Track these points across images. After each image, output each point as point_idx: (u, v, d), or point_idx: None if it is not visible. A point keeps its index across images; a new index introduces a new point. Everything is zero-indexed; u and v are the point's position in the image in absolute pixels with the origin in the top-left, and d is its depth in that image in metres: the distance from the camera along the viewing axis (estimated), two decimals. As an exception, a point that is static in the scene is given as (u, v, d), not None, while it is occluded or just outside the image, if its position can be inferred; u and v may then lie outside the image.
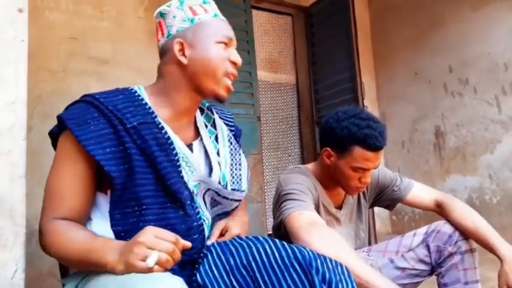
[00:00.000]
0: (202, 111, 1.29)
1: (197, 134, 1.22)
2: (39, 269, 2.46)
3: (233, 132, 1.33)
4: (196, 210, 1.10)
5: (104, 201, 1.08)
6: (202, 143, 1.20)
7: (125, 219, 1.01)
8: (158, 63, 1.21)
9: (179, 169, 1.07)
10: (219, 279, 0.96)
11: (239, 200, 1.24)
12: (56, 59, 2.87)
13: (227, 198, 1.20)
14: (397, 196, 1.76)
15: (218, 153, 1.22)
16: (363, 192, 1.77)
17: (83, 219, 1.05)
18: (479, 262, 1.59)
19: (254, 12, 4.21)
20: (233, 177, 1.23)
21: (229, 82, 1.15)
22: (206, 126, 1.26)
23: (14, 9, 1.04)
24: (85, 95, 1.12)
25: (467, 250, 1.54)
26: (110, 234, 1.03)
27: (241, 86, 3.79)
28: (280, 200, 1.50)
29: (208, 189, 1.17)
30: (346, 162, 1.53)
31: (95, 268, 0.94)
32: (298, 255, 0.96)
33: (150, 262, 0.83)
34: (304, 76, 4.57)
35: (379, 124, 1.53)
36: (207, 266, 1.00)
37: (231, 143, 1.28)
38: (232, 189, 1.20)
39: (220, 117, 1.32)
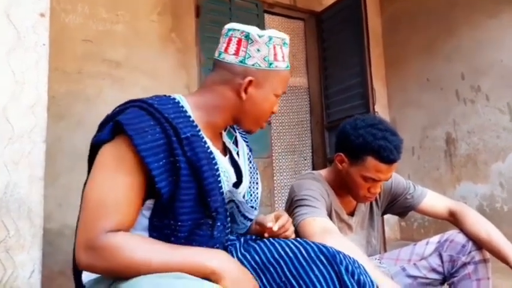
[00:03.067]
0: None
1: (224, 147, 1.23)
2: (50, 268, 2.48)
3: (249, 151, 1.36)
4: (227, 231, 1.11)
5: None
6: (232, 156, 1.23)
7: (161, 228, 1.01)
8: (210, 74, 1.18)
9: (220, 184, 1.07)
10: None
11: (252, 220, 1.25)
12: (70, 60, 2.92)
13: (244, 217, 1.21)
14: (410, 204, 1.75)
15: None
16: (376, 200, 1.77)
17: (129, 231, 0.99)
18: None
19: (267, 16, 4.24)
20: (251, 195, 1.27)
21: (264, 124, 1.23)
22: (230, 142, 1.28)
23: (36, 14, 1.06)
24: (133, 100, 1.07)
25: (481, 260, 1.53)
26: None
27: (253, 90, 3.81)
28: (293, 205, 1.50)
29: (230, 201, 1.17)
30: (357, 170, 1.53)
31: (192, 272, 0.90)
32: (323, 249, 1.01)
33: None
34: (315, 81, 4.58)
35: (396, 137, 1.51)
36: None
37: (250, 162, 1.31)
38: (250, 207, 1.22)
39: (240, 135, 1.35)
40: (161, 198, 0.98)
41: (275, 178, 4.21)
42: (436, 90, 4.20)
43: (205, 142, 1.07)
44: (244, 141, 1.35)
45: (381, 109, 4.44)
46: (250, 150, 1.37)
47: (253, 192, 1.28)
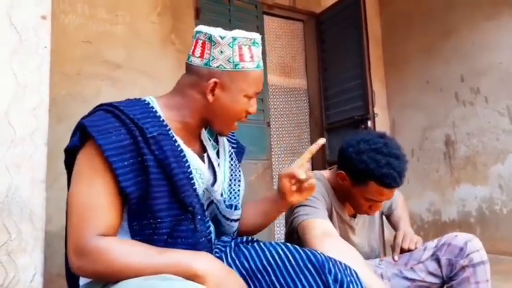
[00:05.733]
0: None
1: (202, 146, 1.24)
2: (49, 271, 2.46)
3: (235, 149, 1.37)
4: (207, 225, 1.12)
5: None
6: (208, 155, 1.24)
7: (142, 230, 1.02)
8: (182, 77, 1.19)
9: (192, 181, 1.08)
10: None
11: (237, 221, 1.26)
12: (70, 62, 2.91)
13: (226, 218, 1.22)
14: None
15: (219, 166, 1.26)
16: None
17: (116, 234, 1.01)
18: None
19: (266, 18, 4.24)
20: (231, 193, 1.27)
21: (236, 126, 1.22)
22: (209, 140, 1.29)
23: (38, 16, 1.06)
24: (103, 104, 1.10)
25: (479, 262, 1.52)
26: None
27: (252, 92, 3.80)
28: (293, 205, 1.51)
29: (211, 203, 1.20)
30: (359, 192, 1.53)
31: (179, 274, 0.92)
32: (312, 257, 1.01)
33: None
34: (314, 82, 4.58)
35: (400, 161, 1.48)
36: None
37: (231, 159, 1.32)
38: (229, 205, 1.23)
39: None
40: (131, 199, 0.99)
41: (275, 180, 4.20)
42: (435, 92, 4.20)
43: (175, 141, 1.09)
44: (230, 140, 1.36)
45: (380, 111, 4.44)
46: (240, 151, 1.38)
47: (234, 190, 1.28)
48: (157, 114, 1.11)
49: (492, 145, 3.72)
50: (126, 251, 0.93)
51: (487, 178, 3.76)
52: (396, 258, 1.65)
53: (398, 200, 1.91)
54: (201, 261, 0.93)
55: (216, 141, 1.30)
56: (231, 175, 1.29)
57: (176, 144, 1.09)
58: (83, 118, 1.08)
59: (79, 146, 1.03)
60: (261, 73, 1.18)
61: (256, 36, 1.17)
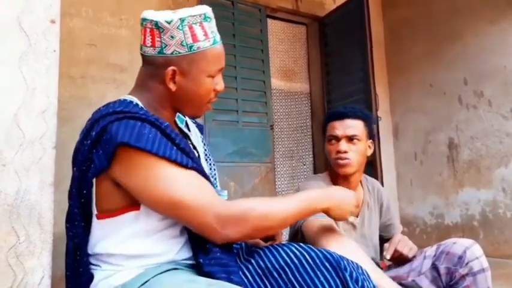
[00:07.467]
0: None
1: (182, 134, 1.23)
2: (53, 273, 2.48)
3: (200, 131, 1.37)
4: None
5: (132, 218, 1.04)
6: (192, 143, 1.24)
7: None
8: (140, 70, 1.16)
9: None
10: (254, 283, 1.02)
11: None
12: (75, 65, 2.92)
13: None
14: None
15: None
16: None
17: None
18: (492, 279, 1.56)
19: (269, 21, 4.24)
20: (212, 177, 1.29)
21: (209, 106, 1.19)
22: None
23: (47, 20, 1.06)
24: (102, 117, 1.04)
25: (480, 270, 1.46)
26: (151, 248, 1.04)
27: (255, 95, 3.82)
28: None
29: None
30: (325, 140, 1.77)
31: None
32: (328, 255, 1.02)
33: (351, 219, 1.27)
34: (317, 86, 4.58)
35: (354, 106, 1.81)
36: (245, 270, 1.06)
37: (204, 144, 1.33)
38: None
39: (190, 119, 1.36)
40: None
41: (277, 183, 4.20)
42: (438, 95, 4.20)
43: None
44: (198, 126, 1.37)
45: (384, 114, 4.44)
46: (201, 130, 1.38)
47: (213, 174, 1.31)
48: (144, 110, 1.09)
49: (496, 148, 3.72)
50: (266, 204, 1.05)
51: (491, 181, 3.76)
52: (388, 257, 1.60)
53: (398, 228, 1.96)
54: (321, 198, 1.15)
55: (188, 129, 1.29)
56: (207, 160, 1.31)
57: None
58: (93, 139, 1.02)
59: (106, 167, 1.00)
60: (219, 48, 1.12)
61: (206, 10, 1.09)
